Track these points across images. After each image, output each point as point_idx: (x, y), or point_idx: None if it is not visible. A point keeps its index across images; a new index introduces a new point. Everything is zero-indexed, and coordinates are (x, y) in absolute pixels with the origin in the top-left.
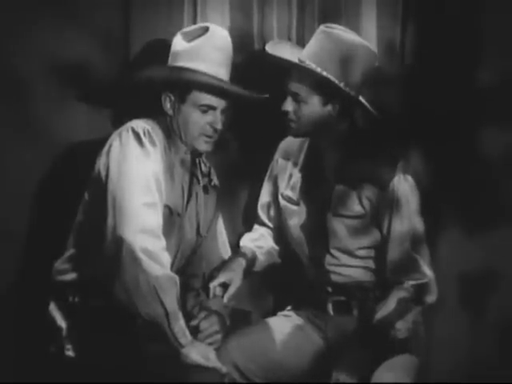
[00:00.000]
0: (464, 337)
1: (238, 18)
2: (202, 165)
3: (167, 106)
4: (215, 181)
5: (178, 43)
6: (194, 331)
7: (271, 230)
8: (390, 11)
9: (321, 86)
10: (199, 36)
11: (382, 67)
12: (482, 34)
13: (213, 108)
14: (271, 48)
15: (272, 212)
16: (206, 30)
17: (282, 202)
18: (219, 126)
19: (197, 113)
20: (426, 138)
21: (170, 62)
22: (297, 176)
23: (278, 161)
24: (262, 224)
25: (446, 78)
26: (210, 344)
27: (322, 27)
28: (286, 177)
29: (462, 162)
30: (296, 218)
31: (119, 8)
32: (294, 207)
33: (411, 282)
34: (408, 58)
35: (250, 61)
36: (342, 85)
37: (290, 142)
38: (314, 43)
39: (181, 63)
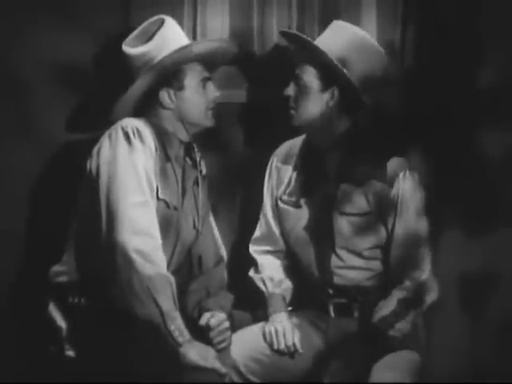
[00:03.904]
0: (464, 338)
1: (237, 18)
2: (196, 154)
3: (167, 101)
4: (204, 171)
5: (133, 51)
6: (206, 329)
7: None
8: (390, 11)
9: (322, 68)
10: (156, 31)
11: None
12: (482, 34)
13: (209, 79)
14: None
15: (275, 218)
16: (162, 22)
17: (284, 206)
18: (217, 93)
19: (199, 90)
20: (426, 138)
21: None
22: (297, 179)
23: (277, 166)
24: (266, 226)
25: (446, 78)
26: (221, 342)
27: (336, 21)
28: (285, 181)
29: (462, 163)
30: (299, 220)
31: (119, 8)
32: (296, 210)
33: (410, 282)
34: (408, 58)
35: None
36: (344, 70)
37: (287, 147)
38: (326, 32)
39: (156, 58)
